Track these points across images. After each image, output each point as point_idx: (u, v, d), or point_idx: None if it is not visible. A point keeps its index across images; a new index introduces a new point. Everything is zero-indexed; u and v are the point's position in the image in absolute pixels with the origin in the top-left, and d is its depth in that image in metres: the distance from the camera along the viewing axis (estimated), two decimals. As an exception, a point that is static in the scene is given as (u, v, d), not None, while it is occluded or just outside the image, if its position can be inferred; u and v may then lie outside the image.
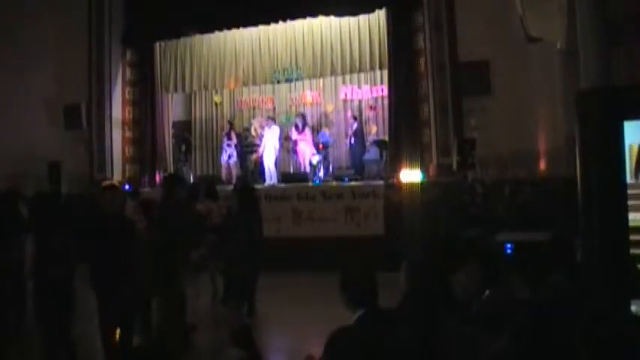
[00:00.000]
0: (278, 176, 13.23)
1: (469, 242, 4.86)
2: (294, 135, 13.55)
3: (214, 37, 14.37)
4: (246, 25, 13.45)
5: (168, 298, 5.75)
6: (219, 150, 14.60)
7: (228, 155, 13.91)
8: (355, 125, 13.54)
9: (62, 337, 5.33)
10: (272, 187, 12.48)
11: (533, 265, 4.29)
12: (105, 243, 5.11)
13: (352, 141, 13.48)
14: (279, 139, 13.53)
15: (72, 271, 5.39)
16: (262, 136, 13.52)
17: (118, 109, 13.49)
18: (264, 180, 12.99)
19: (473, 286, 3.64)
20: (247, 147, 14.05)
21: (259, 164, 13.61)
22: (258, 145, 13.54)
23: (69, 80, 13.15)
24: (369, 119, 14.43)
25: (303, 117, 13.79)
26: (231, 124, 14.61)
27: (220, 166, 14.19)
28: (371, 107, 14.42)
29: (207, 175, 14.78)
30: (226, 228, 8.05)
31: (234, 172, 13.73)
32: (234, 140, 14.11)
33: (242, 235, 7.68)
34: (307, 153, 13.30)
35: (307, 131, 13.55)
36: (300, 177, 12.76)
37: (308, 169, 13.17)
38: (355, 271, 3.31)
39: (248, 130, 14.49)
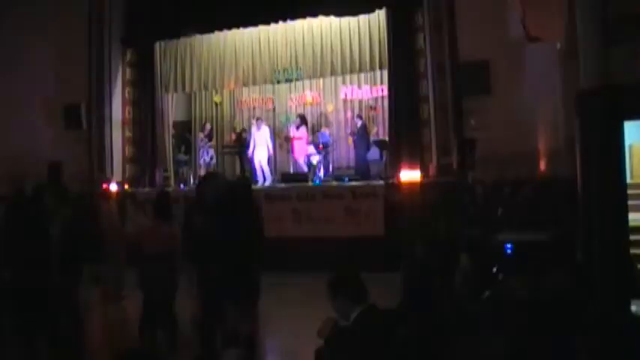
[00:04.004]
0: (275, 176, 13.22)
1: (469, 242, 4.86)
2: (292, 132, 13.70)
3: (214, 37, 14.37)
4: (246, 25, 13.44)
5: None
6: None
7: (210, 157, 14.07)
8: (359, 123, 13.48)
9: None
10: (272, 187, 12.47)
11: (533, 265, 4.29)
12: None
13: (356, 140, 13.42)
14: (271, 137, 13.62)
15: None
16: (251, 136, 13.64)
17: (118, 109, 13.48)
18: (256, 180, 12.97)
19: (472, 286, 3.64)
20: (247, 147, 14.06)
21: (250, 164, 13.67)
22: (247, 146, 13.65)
23: (69, 80, 13.11)
24: (369, 119, 14.42)
25: (303, 117, 13.84)
26: (209, 125, 14.73)
27: (199, 167, 14.24)
28: (371, 107, 14.41)
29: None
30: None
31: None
32: (213, 141, 14.40)
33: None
34: (301, 151, 13.37)
35: (303, 129, 13.59)
36: (300, 177, 12.75)
37: (304, 167, 13.17)
38: (346, 271, 3.34)
39: (248, 130, 14.49)
